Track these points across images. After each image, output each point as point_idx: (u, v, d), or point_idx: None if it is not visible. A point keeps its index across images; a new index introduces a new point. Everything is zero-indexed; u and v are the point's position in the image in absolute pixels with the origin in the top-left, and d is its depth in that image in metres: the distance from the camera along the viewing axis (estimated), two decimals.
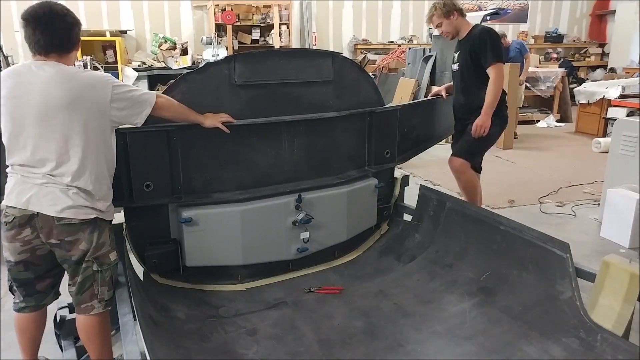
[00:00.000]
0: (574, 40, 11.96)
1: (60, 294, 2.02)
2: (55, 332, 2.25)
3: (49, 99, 1.71)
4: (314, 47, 9.76)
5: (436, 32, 8.03)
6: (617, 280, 1.90)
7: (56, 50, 1.79)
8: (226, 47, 8.97)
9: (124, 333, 1.61)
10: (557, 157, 6.37)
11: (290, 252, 2.55)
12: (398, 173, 3.03)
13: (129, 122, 1.92)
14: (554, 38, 11.63)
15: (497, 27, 11.27)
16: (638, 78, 7.85)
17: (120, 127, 2.01)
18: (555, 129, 8.42)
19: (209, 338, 2.06)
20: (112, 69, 8.12)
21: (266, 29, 9.67)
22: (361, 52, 10.43)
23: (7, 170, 1.81)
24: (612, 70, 10.95)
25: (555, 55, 11.39)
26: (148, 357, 1.47)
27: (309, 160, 2.59)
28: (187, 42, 8.97)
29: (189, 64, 8.49)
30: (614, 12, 11.53)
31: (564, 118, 8.95)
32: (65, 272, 1.91)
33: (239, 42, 9.57)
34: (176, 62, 8.54)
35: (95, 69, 7.39)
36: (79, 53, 7.93)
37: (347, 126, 2.69)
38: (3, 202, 1.78)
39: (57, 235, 1.76)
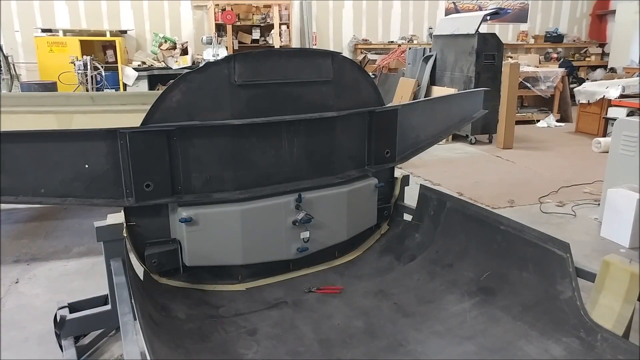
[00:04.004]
0: (574, 40, 11.98)
1: None
2: (55, 332, 2.25)
3: None
4: (314, 47, 9.76)
5: (436, 31, 8.04)
6: (617, 280, 1.90)
7: None
8: (226, 47, 8.98)
9: (124, 333, 1.61)
10: (557, 157, 6.37)
11: (290, 252, 2.55)
12: (398, 173, 3.03)
13: None
14: (554, 38, 11.65)
15: (497, 27, 11.29)
16: (638, 78, 7.85)
17: (120, 126, 2.01)
18: (555, 128, 8.43)
19: (209, 338, 2.06)
20: (112, 69, 8.14)
21: (266, 28, 9.68)
22: (361, 52, 10.43)
23: None
24: (612, 70, 10.95)
25: (555, 55, 11.40)
26: (148, 357, 1.47)
27: (309, 160, 2.59)
28: (187, 42, 8.98)
29: (189, 64, 8.50)
30: (614, 12, 11.54)
31: (564, 118, 8.96)
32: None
33: (239, 42, 9.58)
34: (176, 62, 8.55)
35: (95, 68, 7.39)
36: (79, 53, 7.96)
37: (347, 126, 2.69)
38: None
39: None
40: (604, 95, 7.37)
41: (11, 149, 2.01)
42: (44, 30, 8.24)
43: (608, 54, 11.80)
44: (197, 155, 2.32)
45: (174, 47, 8.70)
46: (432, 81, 7.67)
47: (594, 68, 11.55)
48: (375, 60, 9.90)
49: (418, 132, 3.16)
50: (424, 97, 7.34)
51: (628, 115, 6.59)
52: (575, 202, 4.46)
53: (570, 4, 11.98)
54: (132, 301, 1.81)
